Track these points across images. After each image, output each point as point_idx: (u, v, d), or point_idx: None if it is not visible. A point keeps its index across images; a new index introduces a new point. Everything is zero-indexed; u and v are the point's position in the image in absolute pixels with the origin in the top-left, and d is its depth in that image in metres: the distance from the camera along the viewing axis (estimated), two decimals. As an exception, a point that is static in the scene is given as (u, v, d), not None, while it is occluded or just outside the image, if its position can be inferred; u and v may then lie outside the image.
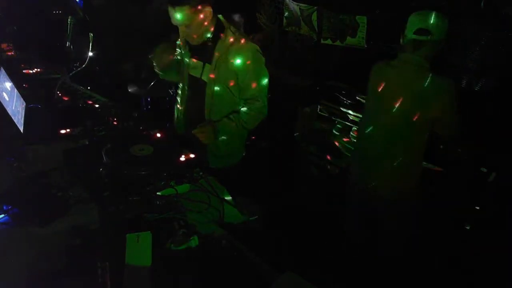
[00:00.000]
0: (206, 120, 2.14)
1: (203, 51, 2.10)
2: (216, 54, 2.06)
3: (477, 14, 2.29)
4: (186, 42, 2.14)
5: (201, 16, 1.93)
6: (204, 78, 2.14)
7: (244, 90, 2.12)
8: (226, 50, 2.04)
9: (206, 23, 1.98)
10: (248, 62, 2.04)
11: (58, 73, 2.85)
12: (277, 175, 3.09)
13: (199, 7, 1.91)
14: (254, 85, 2.09)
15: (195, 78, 2.19)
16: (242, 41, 2.04)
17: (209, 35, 2.04)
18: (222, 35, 2.05)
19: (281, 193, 2.93)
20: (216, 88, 2.10)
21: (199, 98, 2.17)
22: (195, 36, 2.02)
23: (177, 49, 2.26)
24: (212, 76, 2.09)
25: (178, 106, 2.36)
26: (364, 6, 3.11)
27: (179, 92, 2.33)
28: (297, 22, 3.61)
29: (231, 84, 2.10)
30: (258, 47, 2.09)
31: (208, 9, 1.95)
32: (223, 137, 2.12)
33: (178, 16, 1.92)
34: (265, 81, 2.12)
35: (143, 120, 2.20)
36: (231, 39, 2.04)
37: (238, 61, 2.03)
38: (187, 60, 2.20)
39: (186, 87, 2.26)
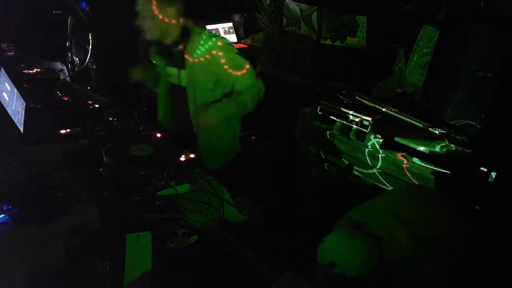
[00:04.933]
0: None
1: (174, 56, 2.09)
2: (186, 57, 2.05)
3: (477, 14, 2.29)
4: (158, 52, 2.13)
5: (166, 12, 1.90)
6: (183, 83, 2.14)
7: (235, 85, 2.10)
8: (194, 52, 2.03)
9: (168, 23, 1.94)
10: (223, 61, 2.01)
11: (58, 73, 2.85)
12: (277, 175, 3.09)
13: (167, 2, 1.89)
14: (241, 79, 2.07)
15: (175, 85, 2.20)
16: (210, 41, 2.01)
17: (176, 38, 2.01)
18: (189, 38, 2.03)
19: (281, 193, 2.93)
20: (198, 92, 2.11)
21: (182, 100, 2.18)
22: (151, 32, 1.97)
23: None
24: (190, 81, 2.09)
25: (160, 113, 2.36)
26: (364, 6, 3.11)
27: (159, 101, 2.33)
28: (297, 22, 3.61)
29: (212, 84, 2.09)
30: (227, 42, 2.06)
31: (173, 9, 1.91)
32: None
33: (140, 3, 1.90)
34: (247, 69, 2.07)
35: (143, 120, 2.20)
36: (198, 40, 2.02)
37: (213, 63, 2.02)
38: (165, 69, 2.19)
39: (166, 95, 2.26)
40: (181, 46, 2.05)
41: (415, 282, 1.24)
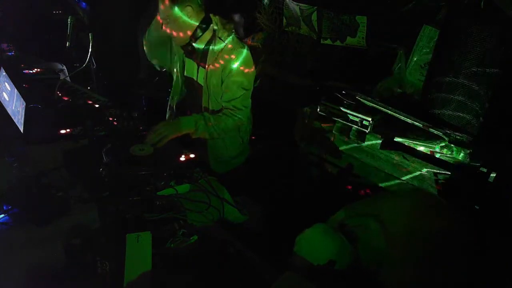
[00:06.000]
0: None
1: (196, 52, 2.09)
2: (209, 59, 2.04)
3: (477, 14, 2.29)
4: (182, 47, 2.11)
5: (182, 12, 1.90)
6: (199, 81, 2.13)
7: (223, 94, 2.08)
8: (216, 56, 2.02)
9: (186, 21, 1.93)
10: (232, 68, 2.00)
11: (58, 73, 2.85)
12: (276, 175, 3.09)
13: (181, 3, 1.88)
14: (230, 91, 2.04)
15: (190, 79, 2.19)
16: (234, 45, 2.00)
17: (198, 33, 1.99)
18: (213, 40, 2.02)
19: (281, 193, 2.93)
20: (211, 93, 2.10)
21: (195, 98, 2.17)
22: (175, 33, 1.97)
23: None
24: (206, 82, 2.08)
25: (172, 105, 2.35)
26: (364, 6, 3.11)
27: (172, 91, 2.32)
28: (297, 22, 3.61)
29: (220, 88, 2.07)
30: (247, 53, 2.03)
31: (189, 8, 1.91)
32: (190, 131, 2.01)
33: (160, 9, 1.91)
34: (243, 90, 2.05)
35: (143, 120, 2.20)
36: (222, 45, 2.00)
37: (224, 67, 2.01)
38: (183, 61, 2.18)
39: (181, 87, 2.25)
40: (204, 42, 2.03)
41: (392, 283, 1.26)
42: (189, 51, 2.08)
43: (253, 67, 2.08)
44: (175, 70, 2.24)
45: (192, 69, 2.15)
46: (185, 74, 2.20)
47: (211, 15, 2.03)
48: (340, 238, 1.25)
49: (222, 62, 2.00)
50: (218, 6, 2.12)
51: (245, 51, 2.02)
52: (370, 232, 1.29)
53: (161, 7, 1.91)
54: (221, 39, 2.01)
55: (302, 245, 1.27)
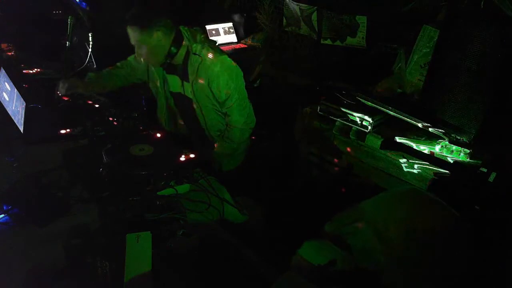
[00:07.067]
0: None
1: (176, 68, 2.08)
2: (190, 74, 2.03)
3: (477, 14, 2.29)
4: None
5: (153, 37, 1.88)
6: (187, 94, 2.13)
7: (222, 105, 2.11)
8: (197, 70, 2.01)
9: (158, 44, 1.91)
10: (218, 78, 2.00)
11: (58, 73, 2.85)
12: (277, 175, 3.09)
13: (151, 28, 1.87)
14: (227, 99, 2.07)
15: (177, 94, 2.18)
16: (210, 57, 1.99)
17: (173, 51, 1.97)
18: (189, 55, 2.00)
19: (281, 193, 2.93)
20: (202, 106, 2.10)
21: (188, 111, 2.18)
22: (148, 57, 1.96)
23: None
24: (195, 96, 2.08)
25: (162, 121, 2.35)
26: (364, 6, 3.11)
27: (159, 110, 2.33)
28: (297, 22, 3.61)
29: (212, 99, 2.09)
30: (228, 60, 2.02)
31: (159, 32, 1.89)
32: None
33: (130, 34, 1.90)
34: (236, 95, 2.07)
35: (143, 120, 2.20)
36: (199, 59, 1.99)
37: (211, 81, 2.01)
38: (162, 78, 2.17)
39: (168, 103, 2.24)
40: (181, 58, 2.02)
41: (393, 283, 1.26)
42: (169, 68, 2.08)
43: (238, 70, 2.07)
44: (158, 86, 2.23)
45: (176, 84, 2.14)
46: (171, 90, 2.20)
47: (181, 27, 2.01)
48: (332, 248, 1.27)
49: (206, 76, 2.00)
50: (185, 17, 2.11)
51: (224, 59, 2.00)
52: (361, 237, 1.29)
53: (131, 33, 1.90)
54: (195, 54, 1.99)
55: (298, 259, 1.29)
